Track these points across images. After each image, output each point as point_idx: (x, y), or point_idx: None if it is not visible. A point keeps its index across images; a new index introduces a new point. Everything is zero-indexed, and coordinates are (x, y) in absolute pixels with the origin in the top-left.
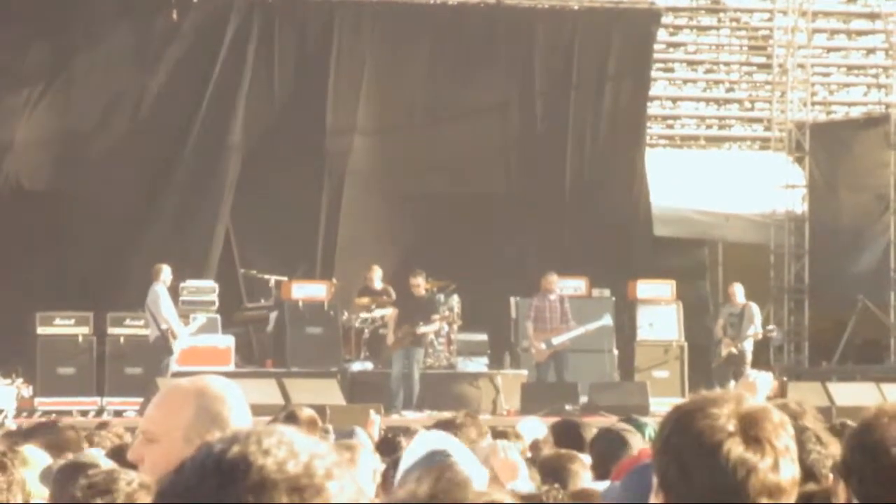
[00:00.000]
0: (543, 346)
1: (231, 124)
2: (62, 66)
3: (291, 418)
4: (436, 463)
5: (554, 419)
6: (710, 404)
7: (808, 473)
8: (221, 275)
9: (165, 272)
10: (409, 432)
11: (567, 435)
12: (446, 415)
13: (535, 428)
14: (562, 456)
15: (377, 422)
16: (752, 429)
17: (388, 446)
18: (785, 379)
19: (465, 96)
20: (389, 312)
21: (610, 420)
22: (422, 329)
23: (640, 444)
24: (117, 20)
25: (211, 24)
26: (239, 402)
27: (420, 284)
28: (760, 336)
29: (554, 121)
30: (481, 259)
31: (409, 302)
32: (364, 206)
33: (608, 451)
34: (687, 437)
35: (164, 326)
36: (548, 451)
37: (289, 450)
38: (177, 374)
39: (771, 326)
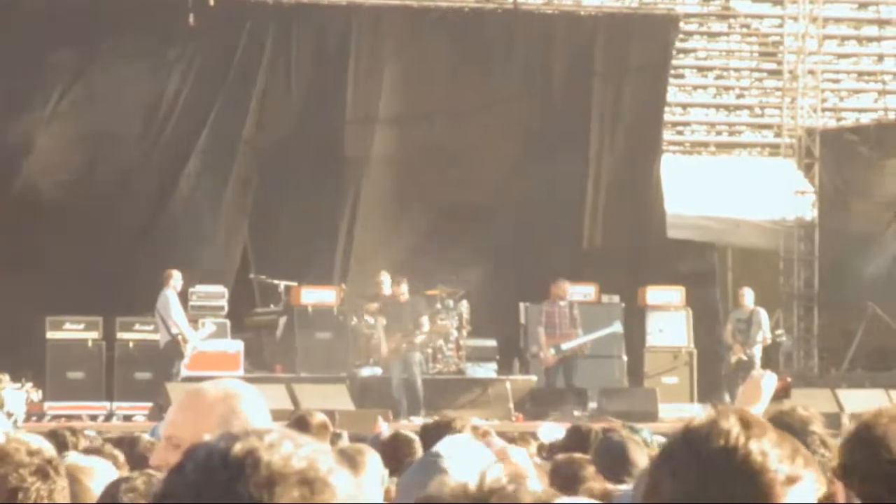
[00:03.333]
0: (553, 352)
1: (246, 129)
2: (80, 71)
3: (302, 423)
4: (428, 465)
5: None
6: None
7: None
8: (234, 280)
9: (176, 277)
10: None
11: (580, 441)
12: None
13: (554, 432)
14: (574, 461)
15: (385, 427)
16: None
17: (396, 451)
18: (789, 379)
19: (482, 102)
20: (377, 322)
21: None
22: (418, 338)
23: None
24: (134, 25)
25: (227, 28)
26: (261, 405)
27: (403, 292)
28: (769, 341)
29: (571, 126)
30: (491, 264)
31: (394, 309)
32: (378, 211)
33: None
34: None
35: (174, 331)
36: (561, 456)
37: (293, 445)
38: (186, 380)
39: (780, 331)
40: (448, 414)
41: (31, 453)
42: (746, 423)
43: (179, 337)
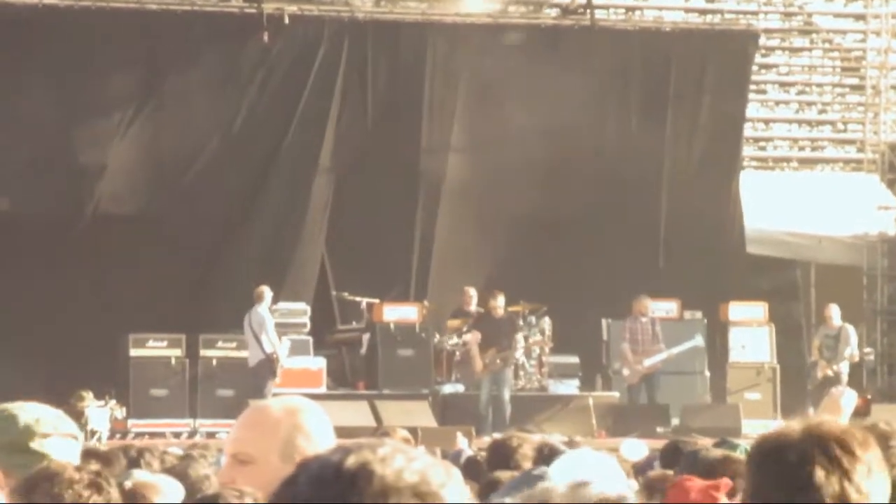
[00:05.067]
0: (638, 368)
1: (323, 146)
2: (153, 90)
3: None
4: (532, 482)
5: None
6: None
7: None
8: (315, 297)
9: (268, 294)
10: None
11: (675, 457)
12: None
13: (638, 448)
14: (668, 477)
15: (464, 444)
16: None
17: (476, 469)
18: (869, 397)
19: (559, 116)
20: (470, 336)
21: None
22: (513, 355)
23: None
24: (207, 44)
25: (302, 45)
26: (325, 421)
27: (500, 306)
28: (857, 358)
29: (649, 142)
30: (573, 280)
31: (490, 324)
32: (458, 227)
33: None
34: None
35: (268, 350)
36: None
37: (405, 459)
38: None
39: (868, 349)
40: (521, 431)
41: (78, 469)
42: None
43: (274, 356)
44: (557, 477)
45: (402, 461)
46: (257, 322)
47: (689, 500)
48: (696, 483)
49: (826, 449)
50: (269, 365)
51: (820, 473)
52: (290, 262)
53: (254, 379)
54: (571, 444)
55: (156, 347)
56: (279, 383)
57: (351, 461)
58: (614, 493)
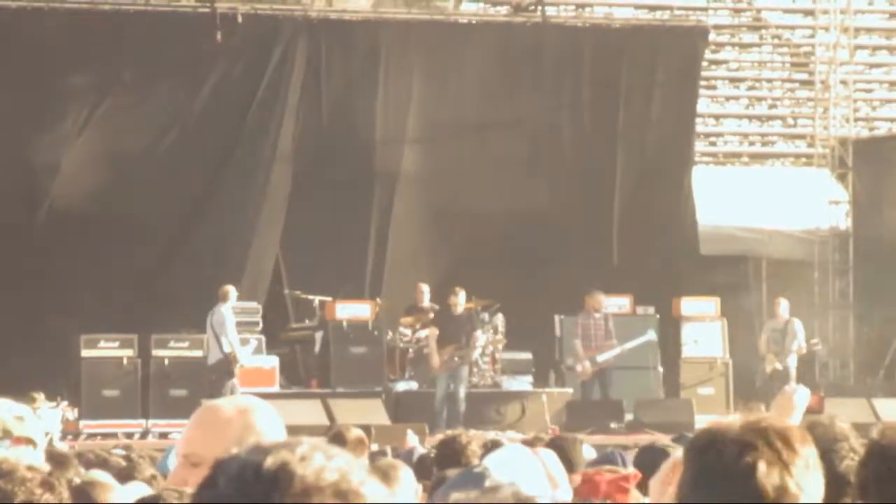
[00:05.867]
0: (588, 363)
1: (277, 144)
2: (107, 89)
3: (338, 438)
4: (473, 479)
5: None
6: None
7: (843, 479)
8: (268, 295)
9: (232, 293)
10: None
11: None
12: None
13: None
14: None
15: (416, 441)
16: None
17: (428, 467)
18: (822, 394)
19: (512, 112)
20: (428, 332)
21: (655, 438)
22: (471, 352)
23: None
24: (162, 43)
25: (256, 44)
26: (277, 420)
27: (460, 303)
28: (805, 351)
29: (602, 138)
30: (526, 276)
31: (449, 320)
32: (412, 224)
33: (652, 467)
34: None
35: (227, 349)
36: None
37: (324, 457)
38: (213, 396)
39: (815, 340)
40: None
41: (30, 469)
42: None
43: (231, 356)
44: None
45: (321, 460)
46: (218, 321)
47: (600, 493)
48: (605, 476)
49: (768, 441)
50: (225, 365)
51: (762, 464)
52: (245, 261)
53: (212, 377)
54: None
55: (108, 348)
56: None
57: (270, 461)
58: (531, 493)
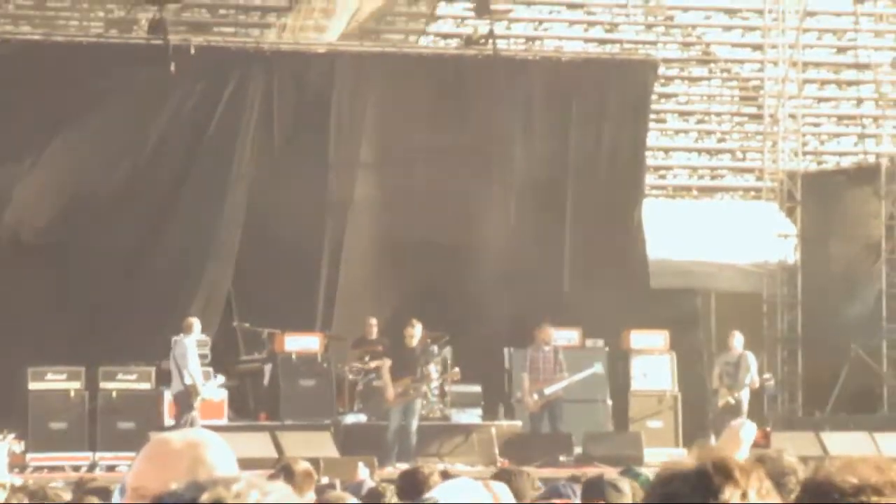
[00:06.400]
0: (536, 396)
1: (230, 175)
2: (60, 121)
3: (286, 471)
4: None
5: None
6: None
7: None
8: (219, 327)
9: (196, 326)
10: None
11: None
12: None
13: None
14: None
15: (366, 474)
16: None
17: (378, 499)
18: (769, 428)
19: (463, 145)
20: (382, 364)
21: (604, 471)
22: (425, 385)
23: (629, 493)
24: (116, 74)
25: (209, 75)
26: (228, 453)
27: (416, 335)
28: (757, 385)
29: (553, 170)
30: (476, 309)
31: (404, 353)
32: (363, 255)
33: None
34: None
35: (187, 382)
36: None
37: (259, 493)
38: (168, 428)
39: (768, 375)
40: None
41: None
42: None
43: (192, 388)
44: None
45: (256, 496)
46: (180, 353)
47: None
48: None
49: (727, 472)
50: (185, 397)
51: (725, 493)
52: (196, 293)
53: (178, 408)
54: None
55: (55, 380)
56: (172, 413)
57: (205, 498)
58: None
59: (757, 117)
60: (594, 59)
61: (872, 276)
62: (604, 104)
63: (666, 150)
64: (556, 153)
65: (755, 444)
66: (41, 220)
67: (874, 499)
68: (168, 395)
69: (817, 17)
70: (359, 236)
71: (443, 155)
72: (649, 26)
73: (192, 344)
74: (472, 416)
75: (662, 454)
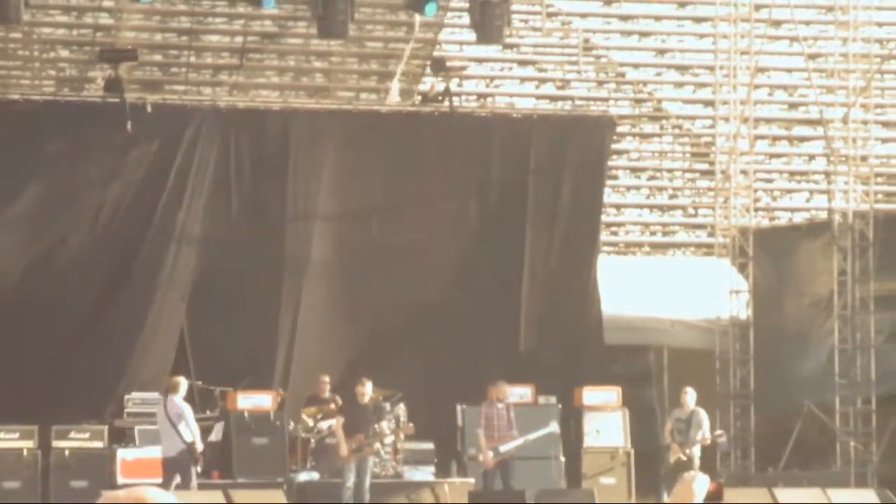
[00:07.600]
0: (491, 454)
1: (185, 233)
2: (17, 178)
3: None
4: None
5: None
6: None
7: None
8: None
9: (183, 384)
10: None
11: None
12: None
13: None
14: None
15: None
16: None
17: None
18: (722, 481)
19: (419, 202)
20: (335, 422)
21: None
22: (377, 442)
23: None
24: (72, 133)
25: (165, 132)
26: None
27: (367, 392)
28: (709, 441)
29: (509, 226)
30: (429, 365)
31: (356, 410)
32: (317, 313)
33: None
34: None
35: (188, 439)
36: None
37: None
38: (121, 486)
39: (719, 431)
40: None
41: None
42: None
43: (194, 445)
44: None
45: None
46: (174, 412)
47: None
48: None
49: None
50: (187, 455)
51: None
52: (149, 351)
53: (172, 468)
54: None
55: (7, 439)
56: (124, 472)
57: None
58: None
59: (709, 173)
60: (551, 116)
61: (824, 332)
62: (561, 160)
63: (618, 207)
64: (513, 209)
65: (708, 497)
66: None
67: None
68: (124, 454)
69: (768, 73)
70: (315, 293)
71: (398, 212)
72: (601, 83)
73: (182, 401)
74: (424, 473)
75: None
